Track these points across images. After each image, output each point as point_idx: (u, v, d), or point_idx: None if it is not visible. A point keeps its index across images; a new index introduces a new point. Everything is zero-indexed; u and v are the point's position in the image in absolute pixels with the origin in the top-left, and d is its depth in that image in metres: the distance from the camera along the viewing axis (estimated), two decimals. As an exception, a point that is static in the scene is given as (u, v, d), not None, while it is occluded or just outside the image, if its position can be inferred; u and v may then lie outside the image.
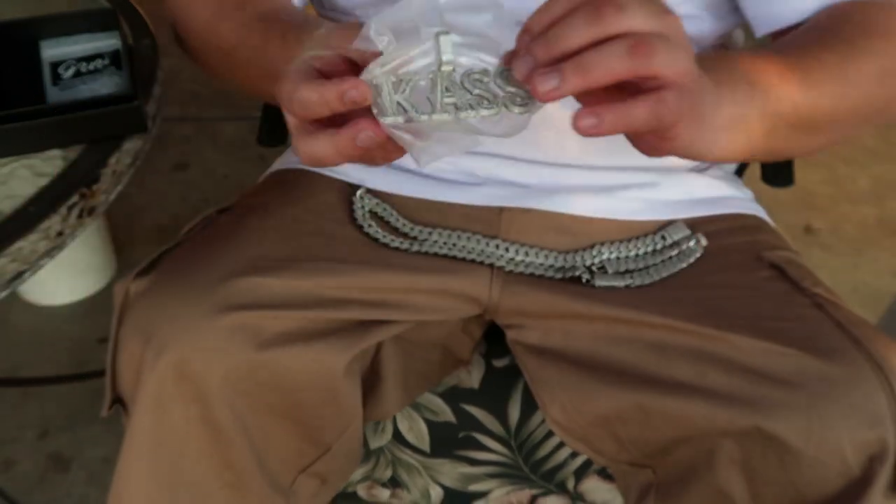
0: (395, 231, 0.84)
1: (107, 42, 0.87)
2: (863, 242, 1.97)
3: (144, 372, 0.69)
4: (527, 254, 0.82)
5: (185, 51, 0.90)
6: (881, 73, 0.71)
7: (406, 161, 0.84)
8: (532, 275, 0.82)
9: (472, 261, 0.82)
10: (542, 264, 0.82)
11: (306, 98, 0.52)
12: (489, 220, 0.83)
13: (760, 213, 0.90)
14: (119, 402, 0.76)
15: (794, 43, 0.73)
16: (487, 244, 0.82)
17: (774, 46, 0.75)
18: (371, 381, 0.85)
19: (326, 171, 0.87)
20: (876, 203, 2.08)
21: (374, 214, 0.85)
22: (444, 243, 0.83)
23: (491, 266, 0.82)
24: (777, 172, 1.00)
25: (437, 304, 0.81)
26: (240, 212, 0.81)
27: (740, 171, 1.05)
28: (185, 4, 0.86)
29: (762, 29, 0.80)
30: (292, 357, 0.71)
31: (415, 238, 0.83)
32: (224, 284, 0.70)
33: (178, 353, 0.68)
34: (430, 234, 0.83)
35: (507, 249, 0.82)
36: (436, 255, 0.82)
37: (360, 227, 0.83)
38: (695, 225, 0.85)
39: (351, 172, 0.87)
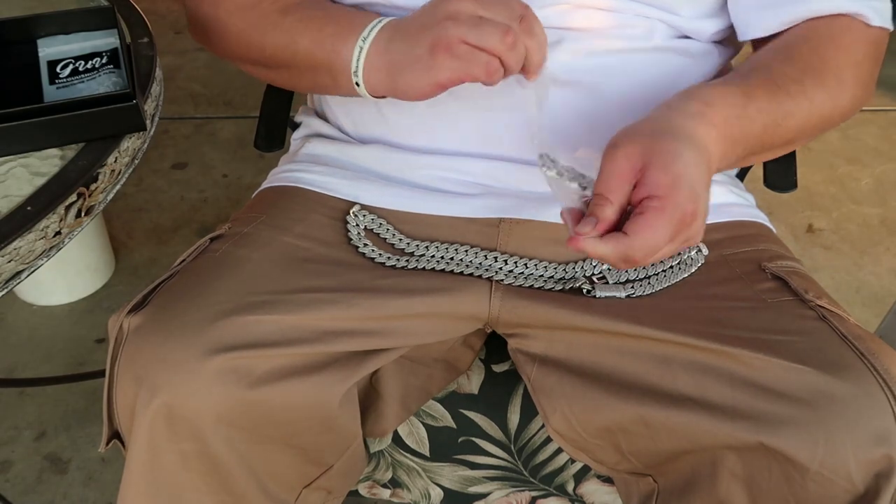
0: (390, 247, 0.83)
1: (105, 41, 0.86)
2: (865, 242, 1.96)
3: (137, 413, 0.69)
4: (526, 266, 0.81)
5: (198, 31, 0.90)
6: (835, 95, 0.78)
7: (402, 175, 0.85)
8: (532, 287, 0.81)
9: (471, 275, 0.81)
10: (541, 276, 0.82)
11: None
12: (487, 233, 0.82)
13: (762, 219, 0.89)
14: (118, 436, 0.76)
15: (762, 73, 0.78)
16: (486, 257, 0.82)
17: (744, 75, 0.78)
18: (370, 399, 0.84)
19: (319, 189, 0.87)
20: (879, 203, 2.08)
21: (369, 231, 0.84)
22: (442, 258, 0.82)
23: (490, 279, 0.81)
24: (780, 177, 1.00)
25: (436, 327, 0.80)
26: (232, 240, 0.80)
27: (742, 175, 1.04)
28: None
29: (745, 35, 0.84)
30: (286, 393, 0.71)
31: (411, 254, 0.82)
32: (215, 324, 0.69)
33: (169, 396, 0.68)
34: (426, 248, 0.82)
35: (505, 262, 0.81)
36: (433, 270, 0.81)
37: (356, 248, 0.82)
38: None
39: (344, 189, 0.86)
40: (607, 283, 0.80)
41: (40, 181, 0.73)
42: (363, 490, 0.96)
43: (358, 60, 0.75)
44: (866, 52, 0.80)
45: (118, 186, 0.79)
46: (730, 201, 0.89)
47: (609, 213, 0.66)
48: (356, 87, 0.77)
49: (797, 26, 0.80)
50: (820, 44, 0.78)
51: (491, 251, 0.82)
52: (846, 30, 0.79)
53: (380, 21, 0.75)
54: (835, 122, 0.81)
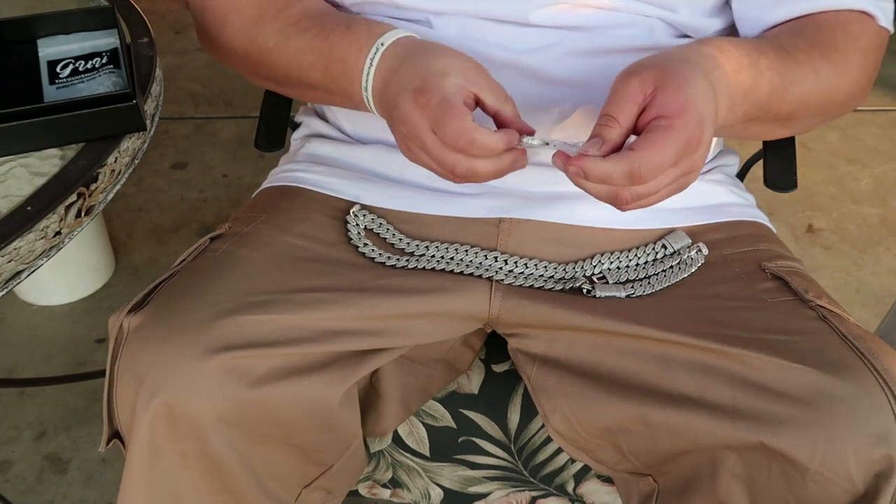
0: (390, 247, 0.83)
1: (105, 40, 0.86)
2: (865, 242, 1.96)
3: (138, 414, 0.69)
4: (526, 266, 0.81)
5: (210, 47, 0.89)
6: (838, 76, 0.78)
7: (402, 175, 0.85)
8: (532, 287, 0.81)
9: (471, 275, 0.81)
10: (541, 276, 0.81)
11: (484, 144, 0.65)
12: (487, 233, 0.82)
13: (762, 219, 0.89)
14: (118, 436, 0.76)
15: (773, 40, 0.78)
16: (486, 257, 0.81)
17: (755, 41, 0.79)
18: (370, 399, 0.84)
19: (319, 189, 0.87)
20: (878, 203, 2.08)
21: (369, 231, 0.84)
22: (442, 258, 0.82)
23: (490, 279, 0.81)
24: (780, 177, 0.99)
25: (436, 327, 0.80)
26: (232, 240, 0.80)
27: (742, 175, 1.04)
28: (222, 7, 0.85)
29: (748, 32, 0.84)
30: (285, 392, 0.71)
31: (411, 254, 0.82)
32: (214, 324, 0.69)
33: (169, 396, 0.68)
34: (426, 248, 0.82)
35: (505, 262, 0.81)
36: (433, 270, 0.81)
37: (356, 248, 0.82)
38: (696, 233, 0.84)
39: (344, 189, 0.86)
40: (607, 283, 0.80)
41: (40, 181, 0.73)
42: (363, 490, 0.96)
43: (371, 105, 0.76)
44: (871, 42, 0.81)
45: (118, 186, 0.79)
46: (730, 201, 0.89)
47: (615, 134, 0.65)
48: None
49: (805, 16, 0.81)
50: (828, 26, 0.79)
51: (491, 251, 0.82)
52: (854, 20, 0.80)
53: (368, 72, 0.74)
54: (835, 105, 0.81)
